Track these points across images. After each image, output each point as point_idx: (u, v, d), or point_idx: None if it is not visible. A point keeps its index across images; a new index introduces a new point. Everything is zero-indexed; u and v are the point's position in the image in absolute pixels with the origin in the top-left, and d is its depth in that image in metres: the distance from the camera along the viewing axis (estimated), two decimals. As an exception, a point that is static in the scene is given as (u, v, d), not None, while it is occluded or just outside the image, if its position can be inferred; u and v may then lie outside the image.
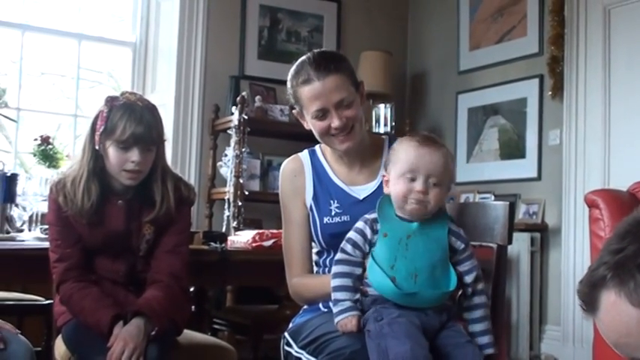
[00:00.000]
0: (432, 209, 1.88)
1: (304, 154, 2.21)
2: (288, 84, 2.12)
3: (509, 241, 2.06)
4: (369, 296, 1.87)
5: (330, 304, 1.95)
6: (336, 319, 1.85)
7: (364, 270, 1.88)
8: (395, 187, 1.88)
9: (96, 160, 2.27)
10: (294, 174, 2.17)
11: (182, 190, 2.37)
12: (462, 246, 1.94)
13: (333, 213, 2.09)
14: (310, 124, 2.09)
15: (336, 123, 2.03)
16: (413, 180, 1.85)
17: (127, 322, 2.12)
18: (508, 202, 2.08)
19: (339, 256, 1.92)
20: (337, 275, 1.89)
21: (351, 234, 1.92)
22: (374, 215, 1.92)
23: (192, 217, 2.53)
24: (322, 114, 2.04)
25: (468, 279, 1.92)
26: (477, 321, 1.92)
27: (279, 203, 2.21)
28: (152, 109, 2.28)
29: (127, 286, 2.33)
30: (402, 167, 1.87)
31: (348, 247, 1.91)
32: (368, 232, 1.90)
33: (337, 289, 1.88)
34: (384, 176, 1.95)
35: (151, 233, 2.32)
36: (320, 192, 2.13)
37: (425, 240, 1.87)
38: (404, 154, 1.88)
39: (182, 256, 2.35)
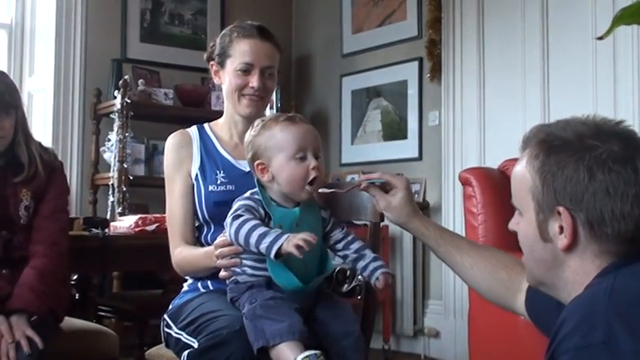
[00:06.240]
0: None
1: (192, 129, 2.25)
2: (222, 35, 2.21)
3: (382, 219, 2.13)
4: (242, 283, 1.86)
5: (253, 247, 1.78)
6: (277, 244, 1.70)
7: None
8: (288, 172, 1.84)
9: None
10: (181, 145, 2.19)
11: (45, 157, 2.38)
12: (328, 215, 1.99)
13: (218, 182, 2.12)
14: (229, 75, 2.15)
15: (254, 83, 2.12)
16: (303, 159, 1.85)
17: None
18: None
19: (236, 219, 1.81)
20: (245, 222, 1.78)
21: (243, 203, 1.85)
22: (257, 196, 1.87)
23: (69, 187, 2.59)
24: (246, 69, 2.13)
25: (339, 235, 1.96)
26: (362, 251, 1.93)
27: (165, 181, 2.20)
28: (1, 74, 2.32)
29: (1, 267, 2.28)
30: (291, 149, 1.84)
31: (243, 210, 1.83)
32: (261, 210, 1.85)
33: (254, 227, 1.76)
34: (258, 165, 1.88)
35: (29, 199, 2.31)
36: (207, 162, 2.16)
37: (309, 223, 1.87)
38: (285, 136, 1.85)
39: (60, 222, 2.37)
